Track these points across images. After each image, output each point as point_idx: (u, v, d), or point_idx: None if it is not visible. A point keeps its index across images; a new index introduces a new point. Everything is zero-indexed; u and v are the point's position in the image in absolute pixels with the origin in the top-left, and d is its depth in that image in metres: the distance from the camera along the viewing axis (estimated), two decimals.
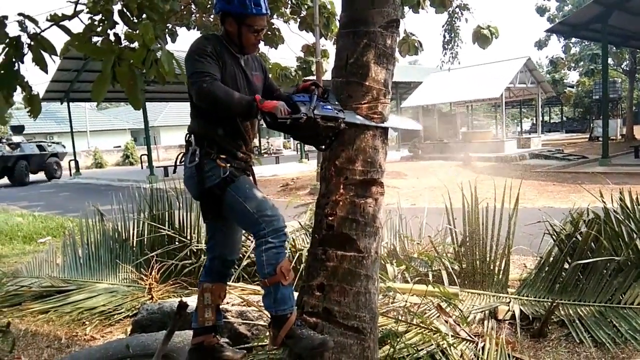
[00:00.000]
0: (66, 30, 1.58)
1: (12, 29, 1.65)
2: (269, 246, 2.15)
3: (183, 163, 2.39)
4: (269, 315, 2.23)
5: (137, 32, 1.58)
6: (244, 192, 2.24)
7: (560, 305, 3.11)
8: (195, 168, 2.26)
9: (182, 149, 2.53)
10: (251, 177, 2.42)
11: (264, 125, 2.27)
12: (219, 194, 2.25)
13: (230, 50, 2.31)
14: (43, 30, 1.64)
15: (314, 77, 10.21)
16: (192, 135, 2.32)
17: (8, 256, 6.28)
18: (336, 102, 2.16)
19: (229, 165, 2.25)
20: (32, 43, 1.61)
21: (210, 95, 2.06)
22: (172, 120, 36.52)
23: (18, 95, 1.93)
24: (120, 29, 1.88)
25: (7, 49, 1.61)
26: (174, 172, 2.51)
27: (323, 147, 2.21)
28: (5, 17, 1.63)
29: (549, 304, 3.05)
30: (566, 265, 3.36)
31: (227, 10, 2.27)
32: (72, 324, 3.70)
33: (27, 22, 1.60)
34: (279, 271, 2.14)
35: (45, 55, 1.61)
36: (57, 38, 1.64)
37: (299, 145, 22.12)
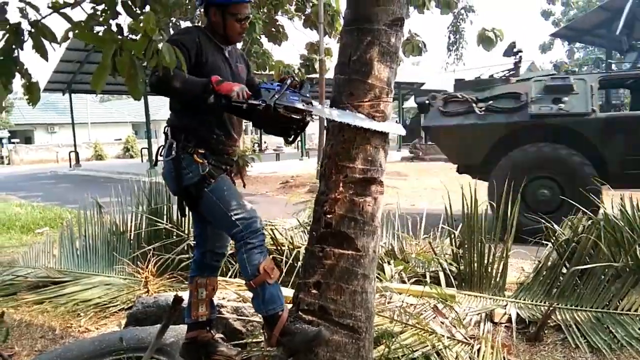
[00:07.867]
0: (67, 17, 1.57)
1: (13, 16, 1.65)
2: (249, 247, 2.14)
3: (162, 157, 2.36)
4: (261, 317, 2.22)
5: (139, 22, 1.56)
6: (220, 193, 2.20)
7: (557, 310, 3.10)
8: (172, 163, 2.21)
9: None
10: (233, 175, 2.36)
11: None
12: (196, 194, 2.21)
13: (214, 41, 2.29)
14: (44, 17, 1.63)
15: (317, 75, 10.20)
16: (169, 128, 2.28)
17: (5, 246, 6.26)
18: (307, 95, 2.10)
19: (207, 161, 2.20)
20: (33, 30, 1.60)
21: (160, 84, 2.01)
22: None
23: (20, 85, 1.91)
24: (123, 20, 1.87)
25: (6, 35, 1.60)
26: (155, 164, 2.49)
27: (289, 138, 2.17)
28: (6, 4, 1.62)
29: (546, 308, 3.04)
30: (564, 270, 3.35)
31: (211, 0, 2.26)
32: (67, 315, 3.68)
33: (28, 9, 1.59)
34: (263, 270, 2.13)
35: (46, 43, 1.60)
36: (60, 27, 1.63)
37: (299, 142, 22.08)
